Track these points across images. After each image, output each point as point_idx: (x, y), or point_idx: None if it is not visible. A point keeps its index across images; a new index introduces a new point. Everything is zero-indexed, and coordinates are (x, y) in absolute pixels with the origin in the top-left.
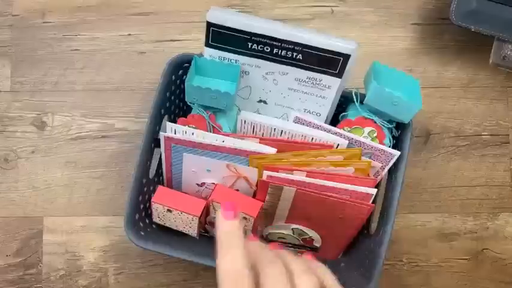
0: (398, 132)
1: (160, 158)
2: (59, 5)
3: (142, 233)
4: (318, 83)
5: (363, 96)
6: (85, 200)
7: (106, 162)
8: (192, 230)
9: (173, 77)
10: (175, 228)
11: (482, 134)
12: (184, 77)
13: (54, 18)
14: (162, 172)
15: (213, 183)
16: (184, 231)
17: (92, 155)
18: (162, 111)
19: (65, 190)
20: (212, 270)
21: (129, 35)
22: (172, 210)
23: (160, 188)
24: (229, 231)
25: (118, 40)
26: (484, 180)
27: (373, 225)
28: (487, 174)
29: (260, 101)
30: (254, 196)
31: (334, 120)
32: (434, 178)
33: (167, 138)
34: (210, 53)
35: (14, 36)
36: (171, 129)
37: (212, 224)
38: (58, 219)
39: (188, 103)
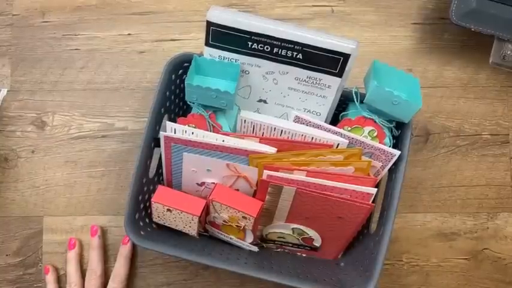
0: (399, 131)
1: (160, 158)
2: (58, 5)
3: (143, 233)
4: (318, 82)
5: (363, 96)
6: (85, 199)
7: (106, 161)
8: (192, 229)
9: (173, 76)
10: (175, 227)
11: (482, 133)
12: (184, 76)
13: (54, 18)
14: (162, 172)
15: (213, 183)
16: (184, 231)
17: (92, 154)
18: (162, 110)
19: (65, 190)
20: (212, 270)
21: (129, 34)
22: (172, 210)
23: (160, 187)
24: None
25: (118, 39)
26: (484, 180)
27: (373, 225)
28: (487, 174)
29: (260, 100)
30: (254, 196)
31: (335, 120)
32: (434, 178)
33: (167, 138)
34: (210, 53)
35: (14, 36)
36: (171, 129)
37: (212, 223)
38: (58, 218)
39: (188, 102)
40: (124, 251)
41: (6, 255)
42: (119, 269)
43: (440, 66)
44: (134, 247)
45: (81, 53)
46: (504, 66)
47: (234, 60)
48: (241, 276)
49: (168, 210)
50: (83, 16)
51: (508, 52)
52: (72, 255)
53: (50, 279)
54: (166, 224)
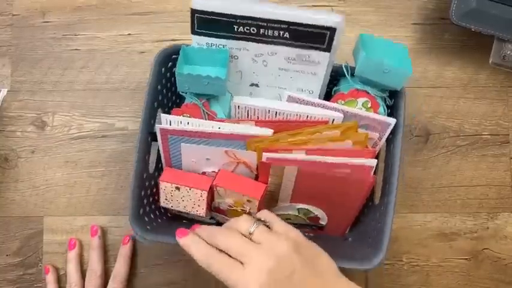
0: (392, 100)
1: (158, 152)
2: (59, 5)
3: (149, 227)
4: (307, 59)
5: (353, 69)
6: (85, 199)
7: (106, 161)
8: (201, 208)
9: (163, 69)
10: (183, 209)
11: (482, 133)
12: (174, 69)
13: (54, 18)
14: (161, 166)
15: (214, 172)
16: (192, 213)
17: (92, 154)
18: (156, 104)
19: (65, 190)
20: None
21: (129, 34)
22: (181, 188)
23: (167, 168)
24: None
25: (118, 40)
26: (484, 180)
27: (377, 196)
28: (487, 174)
29: (252, 84)
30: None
31: (328, 98)
32: (435, 178)
33: (163, 130)
34: (197, 41)
35: (14, 36)
36: (166, 121)
37: (218, 209)
38: (58, 218)
39: (181, 93)
40: (124, 251)
41: (7, 255)
42: (119, 269)
43: (440, 66)
44: (134, 247)
45: (81, 53)
46: (504, 66)
47: (222, 46)
48: None
49: (176, 188)
50: (83, 16)
51: (508, 52)
52: (72, 255)
53: (50, 279)
54: (173, 208)
